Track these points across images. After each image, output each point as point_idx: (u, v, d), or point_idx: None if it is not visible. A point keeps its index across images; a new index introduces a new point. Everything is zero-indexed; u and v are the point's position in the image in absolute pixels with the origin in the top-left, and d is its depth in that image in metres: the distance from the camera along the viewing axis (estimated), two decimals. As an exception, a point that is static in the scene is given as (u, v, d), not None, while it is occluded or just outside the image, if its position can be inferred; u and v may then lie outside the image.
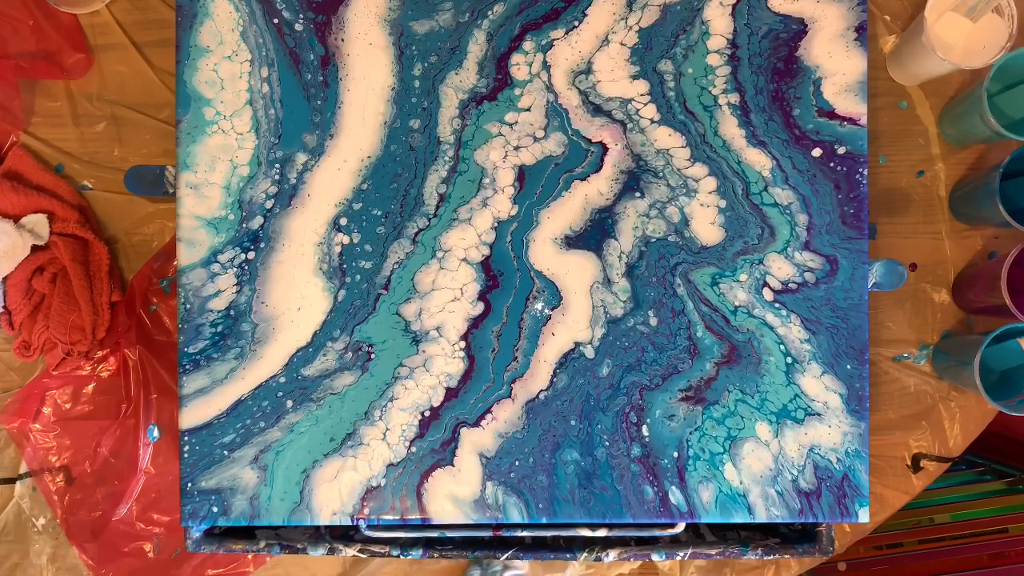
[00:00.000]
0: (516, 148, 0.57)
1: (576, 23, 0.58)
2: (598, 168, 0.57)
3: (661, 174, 0.57)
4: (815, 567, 0.84)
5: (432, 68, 0.58)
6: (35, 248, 0.65)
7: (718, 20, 0.58)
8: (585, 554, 0.60)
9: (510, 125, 0.57)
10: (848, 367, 0.57)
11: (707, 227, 0.57)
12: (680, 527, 0.58)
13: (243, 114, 0.57)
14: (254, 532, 0.62)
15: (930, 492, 0.99)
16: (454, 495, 0.57)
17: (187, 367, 0.57)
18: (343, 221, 0.57)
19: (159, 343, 0.68)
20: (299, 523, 0.57)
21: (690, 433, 0.57)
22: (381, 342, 0.57)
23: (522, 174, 0.57)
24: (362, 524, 0.57)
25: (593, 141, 0.57)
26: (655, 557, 0.60)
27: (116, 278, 0.68)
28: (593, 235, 0.57)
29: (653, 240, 0.57)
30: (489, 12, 0.58)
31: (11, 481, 0.69)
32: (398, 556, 0.60)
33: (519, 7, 0.58)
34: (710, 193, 0.57)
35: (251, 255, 0.57)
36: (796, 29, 0.58)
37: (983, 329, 0.68)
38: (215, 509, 0.57)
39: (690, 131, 0.57)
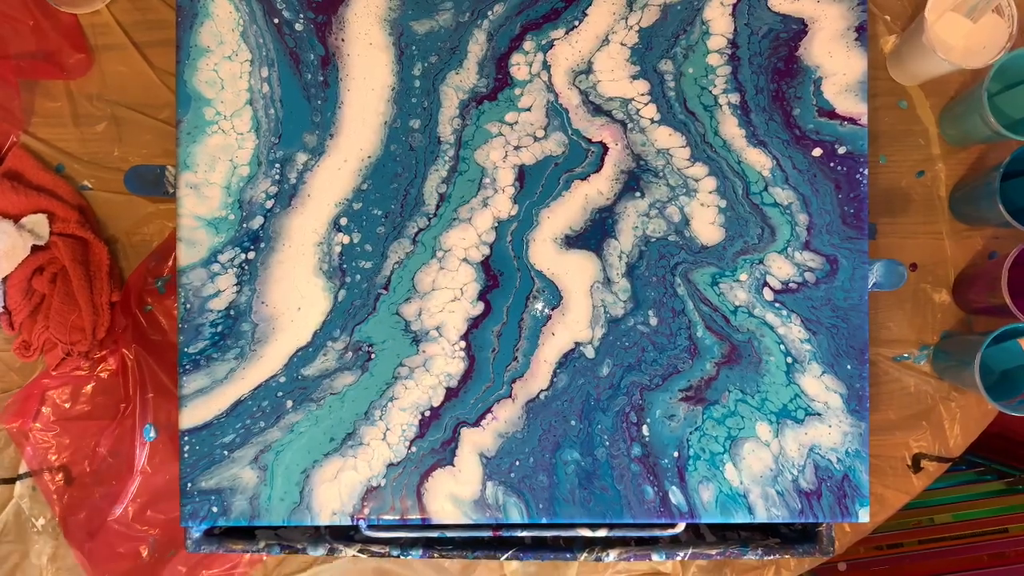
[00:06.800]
0: (516, 148, 0.57)
1: (576, 23, 0.58)
2: (598, 168, 0.57)
3: (661, 174, 0.57)
4: (815, 567, 0.84)
5: (432, 68, 0.58)
6: (35, 248, 0.65)
7: (718, 20, 0.58)
8: (585, 554, 0.60)
9: (510, 125, 0.57)
10: (848, 367, 0.57)
11: (707, 227, 0.57)
12: (680, 527, 0.58)
13: (243, 114, 0.57)
14: (254, 532, 0.62)
15: (930, 492, 0.99)
16: (454, 495, 0.57)
17: (187, 367, 0.57)
18: (343, 221, 0.57)
19: (155, 343, 0.68)
20: (299, 523, 0.57)
21: (690, 433, 0.57)
22: (381, 342, 0.57)
23: (522, 174, 0.57)
24: (362, 524, 0.57)
25: (593, 141, 0.57)
26: (655, 557, 0.60)
27: (116, 278, 0.68)
28: (593, 235, 0.57)
29: (653, 240, 0.57)
30: (489, 12, 0.58)
31: (11, 481, 0.69)
32: (398, 556, 0.60)
33: (519, 7, 0.58)
34: (710, 193, 0.57)
35: (251, 255, 0.57)
36: (796, 29, 0.58)
37: (983, 329, 0.68)
38: (215, 509, 0.57)
39: (690, 131, 0.57)
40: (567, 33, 0.58)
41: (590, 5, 0.58)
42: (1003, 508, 0.99)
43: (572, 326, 0.57)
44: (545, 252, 0.57)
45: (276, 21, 0.58)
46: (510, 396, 0.57)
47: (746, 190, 0.57)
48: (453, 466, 0.57)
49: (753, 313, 0.57)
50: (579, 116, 0.57)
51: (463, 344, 0.57)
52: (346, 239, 0.57)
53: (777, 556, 0.60)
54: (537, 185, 0.57)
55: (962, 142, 0.68)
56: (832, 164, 0.57)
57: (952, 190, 0.69)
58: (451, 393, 0.57)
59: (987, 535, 0.98)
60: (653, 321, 0.57)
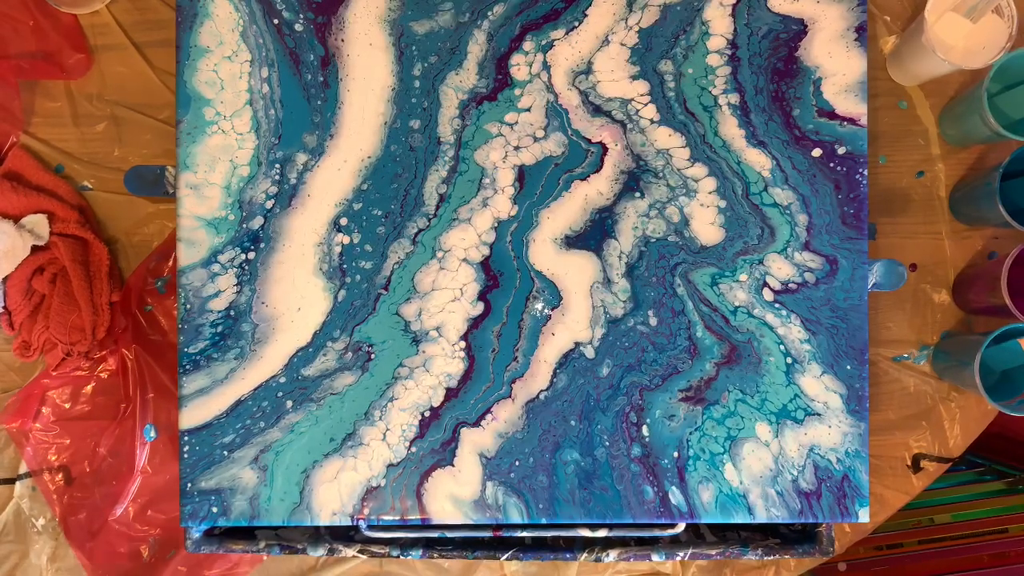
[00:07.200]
0: (516, 148, 0.57)
1: (576, 23, 0.58)
2: (598, 168, 0.57)
3: (661, 174, 0.57)
4: (815, 567, 0.84)
5: (432, 68, 0.58)
6: (35, 248, 0.65)
7: (718, 20, 0.58)
8: (585, 554, 0.60)
9: (510, 125, 0.57)
10: (848, 367, 0.57)
11: (707, 227, 0.57)
12: (680, 527, 0.58)
13: (243, 114, 0.57)
14: (254, 532, 0.62)
15: (930, 492, 0.99)
16: (454, 495, 0.57)
17: (187, 367, 0.57)
18: (343, 221, 0.57)
19: (155, 343, 0.68)
20: (299, 523, 0.57)
21: (690, 433, 0.57)
22: (381, 342, 0.57)
23: (522, 174, 0.57)
24: (362, 524, 0.57)
25: (593, 141, 0.57)
26: (655, 557, 0.60)
27: (116, 278, 0.68)
28: (593, 235, 0.57)
29: (653, 240, 0.57)
30: (489, 12, 0.58)
31: (11, 481, 0.69)
32: (398, 556, 0.60)
33: (519, 7, 0.58)
34: (710, 193, 0.57)
35: (251, 255, 0.57)
36: (796, 29, 0.58)
37: (983, 329, 0.68)
38: (215, 509, 0.57)
39: (690, 131, 0.57)
40: (567, 33, 0.58)
41: (590, 6, 0.58)
42: (1003, 508, 0.99)
43: (572, 326, 0.57)
44: (545, 252, 0.57)
45: (276, 21, 0.58)
46: (510, 396, 0.57)
47: (746, 190, 0.57)
48: (453, 466, 0.57)
49: (753, 313, 0.57)
50: (579, 116, 0.58)
51: (463, 344, 0.57)
52: (346, 239, 0.57)
53: (777, 556, 0.60)
54: (537, 185, 0.57)
55: (962, 142, 0.68)
56: (832, 164, 0.57)
57: (952, 190, 0.69)
58: (451, 393, 0.57)
59: (987, 535, 0.98)
60: (653, 321, 0.57)
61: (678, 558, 0.60)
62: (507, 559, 0.61)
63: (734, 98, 0.57)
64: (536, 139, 0.58)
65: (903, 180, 0.69)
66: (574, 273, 0.57)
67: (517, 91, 0.58)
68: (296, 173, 0.57)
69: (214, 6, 0.57)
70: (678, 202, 0.57)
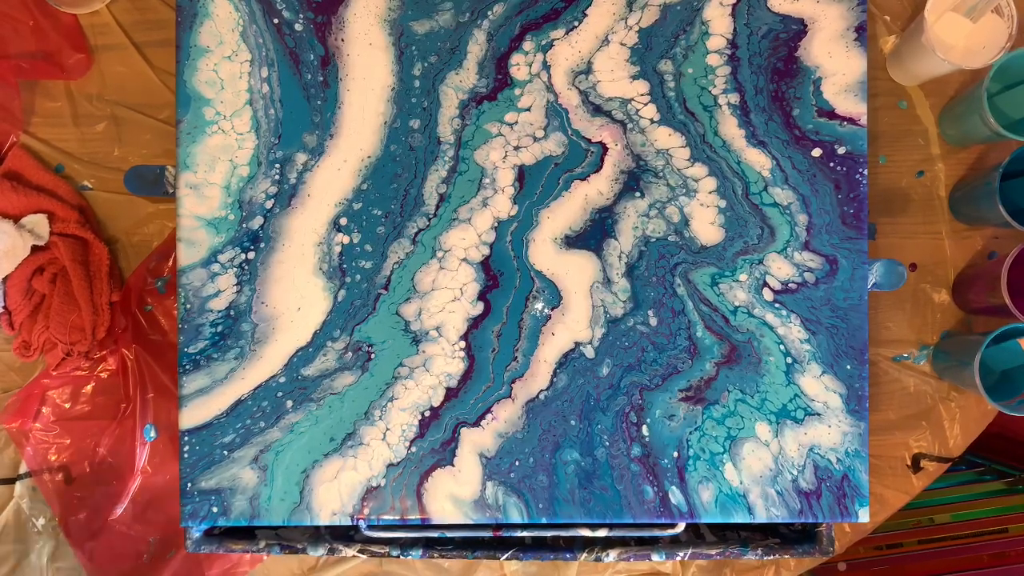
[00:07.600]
0: (516, 148, 0.57)
1: (576, 23, 0.58)
2: (598, 168, 0.57)
3: (661, 174, 0.57)
4: (815, 567, 0.84)
5: (432, 68, 0.58)
6: (35, 248, 0.65)
7: (718, 20, 0.58)
8: (585, 554, 0.60)
9: (510, 125, 0.57)
10: (848, 367, 0.57)
11: (707, 227, 0.57)
12: (680, 527, 0.58)
13: (243, 114, 0.57)
14: (254, 532, 0.62)
15: (930, 492, 0.99)
16: (454, 495, 0.57)
17: (187, 367, 0.57)
18: (343, 221, 0.57)
19: (155, 343, 0.68)
20: (299, 523, 0.57)
21: (690, 433, 0.57)
22: (381, 342, 0.57)
23: (522, 174, 0.57)
24: (362, 524, 0.57)
25: (593, 141, 0.57)
26: (655, 557, 0.60)
27: (116, 278, 0.68)
28: (593, 235, 0.57)
29: (653, 240, 0.57)
30: (489, 12, 0.58)
31: (11, 481, 0.69)
32: (398, 556, 0.60)
33: (519, 7, 0.58)
34: (710, 193, 0.57)
35: (251, 255, 0.57)
36: (796, 29, 0.58)
37: (983, 329, 0.68)
38: (215, 509, 0.57)
39: (690, 131, 0.57)
40: (567, 33, 0.58)
41: (590, 5, 0.58)
42: (1003, 508, 0.99)
43: (572, 326, 0.57)
44: (545, 252, 0.57)
45: (276, 21, 0.58)
46: (510, 396, 0.57)
47: (746, 190, 0.57)
48: (453, 466, 0.57)
49: (753, 313, 0.57)
50: (579, 116, 0.58)
51: (463, 344, 0.57)
52: (346, 239, 0.57)
53: (777, 556, 0.60)
54: (537, 185, 0.57)
55: (962, 142, 0.68)
56: (832, 164, 0.57)
57: (952, 190, 0.69)
58: (451, 393, 0.57)
59: (987, 535, 0.98)
60: (653, 321, 0.57)
61: (678, 558, 0.60)
62: (507, 559, 0.61)
63: (734, 98, 0.57)
64: (536, 139, 0.58)
65: (903, 180, 0.69)
66: (574, 273, 0.57)
67: (517, 91, 0.58)
68: (296, 173, 0.57)
69: (214, 6, 0.57)
70: (678, 202, 0.57)
